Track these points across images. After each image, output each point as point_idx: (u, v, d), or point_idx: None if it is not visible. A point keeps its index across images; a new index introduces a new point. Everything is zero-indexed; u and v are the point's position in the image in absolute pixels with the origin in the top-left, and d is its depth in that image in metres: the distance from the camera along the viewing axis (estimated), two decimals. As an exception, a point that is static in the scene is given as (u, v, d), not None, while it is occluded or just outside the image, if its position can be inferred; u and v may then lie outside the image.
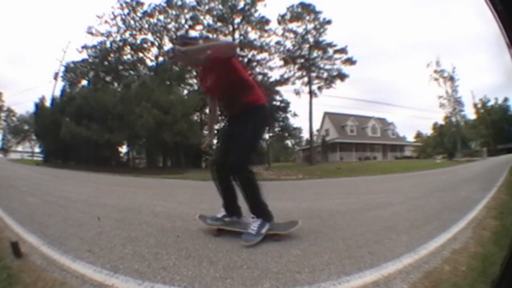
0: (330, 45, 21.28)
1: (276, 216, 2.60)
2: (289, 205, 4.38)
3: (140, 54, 21.52)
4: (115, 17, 20.58)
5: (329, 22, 20.97)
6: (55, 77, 21.31)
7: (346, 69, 21.51)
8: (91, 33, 20.66)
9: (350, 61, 21.31)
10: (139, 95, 17.15)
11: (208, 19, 21.65)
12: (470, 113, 20.67)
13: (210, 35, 21.64)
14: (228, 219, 2.65)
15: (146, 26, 21.05)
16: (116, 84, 21.15)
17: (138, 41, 20.96)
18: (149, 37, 21.27)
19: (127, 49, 21.31)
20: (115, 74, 21.39)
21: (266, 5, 20.86)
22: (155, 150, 20.29)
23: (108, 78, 21.52)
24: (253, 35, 22.03)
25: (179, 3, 20.91)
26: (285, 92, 23.79)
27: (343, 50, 21.20)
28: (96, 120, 17.24)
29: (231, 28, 21.77)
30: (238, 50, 2.66)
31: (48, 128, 18.51)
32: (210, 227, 2.62)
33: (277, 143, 26.58)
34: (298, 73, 22.20)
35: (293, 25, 21.43)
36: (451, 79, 19.94)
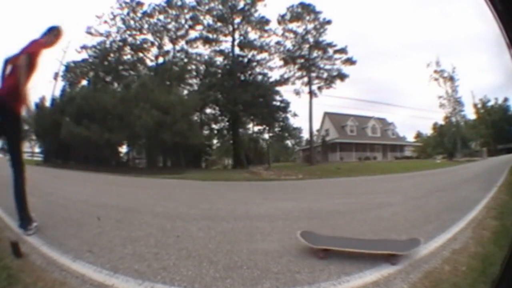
0: (330, 45, 21.21)
1: (276, 216, 2.60)
2: (289, 205, 4.38)
3: (140, 54, 21.47)
4: (114, 17, 20.51)
5: (329, 22, 20.90)
6: (55, 77, 21.24)
7: (346, 69, 21.42)
8: (91, 33, 20.57)
9: (350, 61, 21.23)
10: (139, 95, 17.14)
11: (208, 19, 21.62)
12: (470, 113, 20.57)
13: (210, 35, 21.62)
14: None
15: (146, 26, 20.99)
16: (116, 84, 21.13)
17: (138, 41, 20.91)
18: (149, 37, 21.21)
19: (127, 49, 21.27)
20: (115, 74, 21.34)
21: (266, 5, 20.80)
22: (155, 150, 20.26)
23: (108, 78, 21.47)
24: (253, 35, 21.97)
25: (179, 3, 20.86)
26: (285, 92, 23.66)
27: (343, 50, 21.14)
28: (96, 120, 17.22)
29: (231, 28, 21.76)
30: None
31: (48, 128, 18.49)
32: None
33: (277, 143, 26.51)
34: (298, 73, 22.13)
35: (293, 25, 21.36)
36: (451, 79, 19.85)
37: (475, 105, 20.04)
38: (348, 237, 2.41)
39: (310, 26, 21.12)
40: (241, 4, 21.02)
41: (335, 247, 2.07)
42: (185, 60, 21.88)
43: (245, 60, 22.28)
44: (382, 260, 1.90)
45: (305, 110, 22.84)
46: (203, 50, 22.13)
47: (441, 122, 22.25)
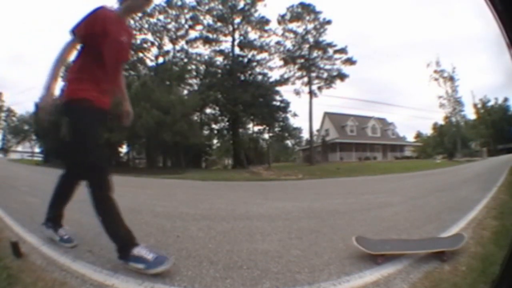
0: (330, 45, 21.28)
1: (276, 216, 2.60)
2: (289, 205, 4.38)
3: (140, 54, 21.49)
4: (115, 17, 20.59)
5: (329, 22, 20.97)
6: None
7: (346, 69, 21.50)
8: (91, 33, 20.66)
9: (350, 61, 21.30)
10: (139, 95, 17.17)
11: (208, 19, 21.65)
12: (470, 113, 20.62)
13: (210, 35, 21.64)
14: None
15: (146, 26, 21.03)
16: (116, 84, 21.20)
17: (138, 41, 20.94)
18: (149, 37, 21.24)
19: (127, 49, 21.34)
20: (115, 74, 21.42)
21: (266, 5, 20.86)
22: (155, 150, 20.30)
23: (108, 78, 21.53)
24: (253, 35, 22.03)
25: (179, 3, 20.90)
26: (285, 92, 23.79)
27: (343, 50, 21.20)
28: (96, 120, 17.26)
29: (231, 28, 21.78)
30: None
31: (48, 128, 18.50)
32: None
33: (277, 143, 26.57)
34: (298, 73, 22.19)
35: (293, 25, 21.43)
36: (451, 79, 19.90)
37: (475, 105, 20.06)
38: (396, 239, 2.40)
39: (310, 26, 21.16)
40: (241, 4, 21.06)
41: (390, 251, 2.03)
42: (185, 60, 21.92)
43: (245, 60, 22.32)
44: (433, 257, 1.93)
45: (305, 110, 22.90)
46: (203, 50, 22.18)
47: (441, 122, 22.30)
